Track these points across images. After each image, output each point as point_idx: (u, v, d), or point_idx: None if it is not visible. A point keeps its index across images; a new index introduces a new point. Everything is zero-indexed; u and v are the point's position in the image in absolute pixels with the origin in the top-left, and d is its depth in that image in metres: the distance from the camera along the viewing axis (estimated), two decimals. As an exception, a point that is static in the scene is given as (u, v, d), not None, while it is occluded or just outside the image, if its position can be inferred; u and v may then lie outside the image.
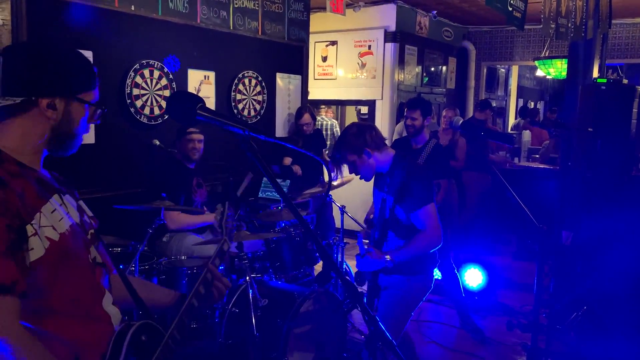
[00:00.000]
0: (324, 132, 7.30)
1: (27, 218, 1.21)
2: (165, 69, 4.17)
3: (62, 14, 3.53)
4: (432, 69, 8.04)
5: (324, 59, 7.56)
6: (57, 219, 1.30)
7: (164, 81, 4.17)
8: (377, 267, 2.44)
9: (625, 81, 4.99)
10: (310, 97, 6.44)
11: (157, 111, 4.13)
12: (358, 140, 2.60)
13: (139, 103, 4.01)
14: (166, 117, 4.16)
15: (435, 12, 7.51)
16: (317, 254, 3.91)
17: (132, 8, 3.95)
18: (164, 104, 4.16)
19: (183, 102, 1.27)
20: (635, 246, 3.73)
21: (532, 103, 13.29)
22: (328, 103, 7.91)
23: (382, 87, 7.17)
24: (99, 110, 1.40)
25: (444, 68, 8.31)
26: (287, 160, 5.14)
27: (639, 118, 4.54)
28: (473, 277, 4.74)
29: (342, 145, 2.63)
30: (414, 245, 2.53)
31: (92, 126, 3.72)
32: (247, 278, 3.07)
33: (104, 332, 1.35)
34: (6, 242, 1.15)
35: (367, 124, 2.87)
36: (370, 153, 2.61)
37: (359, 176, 2.68)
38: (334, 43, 7.45)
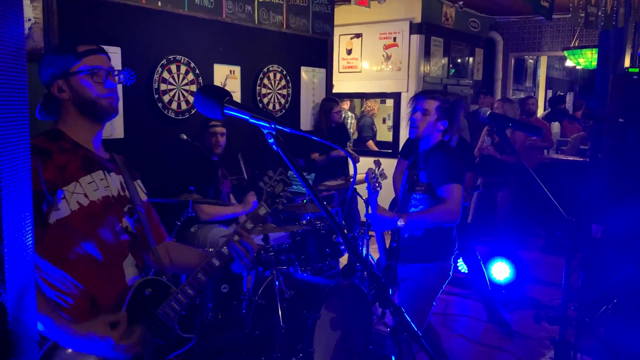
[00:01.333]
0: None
1: (61, 184, 1.50)
2: (192, 64, 4.22)
3: (92, 12, 3.60)
4: (459, 60, 7.95)
5: (349, 51, 7.54)
6: (92, 189, 1.58)
7: (190, 76, 4.22)
8: (390, 227, 2.46)
9: (658, 70, 4.85)
10: (334, 91, 6.44)
11: (184, 106, 4.19)
12: (452, 111, 2.63)
13: (166, 98, 4.07)
14: (193, 111, 4.21)
15: (461, 2, 7.42)
16: (343, 247, 3.93)
17: (159, 4, 4.00)
18: (191, 98, 4.21)
19: (210, 96, 1.28)
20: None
21: (562, 93, 13.02)
22: (353, 96, 7.89)
23: (408, 79, 7.12)
24: (102, 72, 1.60)
25: (471, 59, 8.20)
26: (316, 156, 5.16)
27: (672, 108, 4.41)
28: (501, 270, 4.70)
29: (440, 98, 2.64)
30: (432, 213, 2.54)
31: (119, 122, 3.75)
32: (273, 270, 3.10)
33: (116, 286, 1.61)
34: None
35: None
36: (443, 129, 2.64)
37: (411, 127, 2.68)
38: (358, 36, 7.42)
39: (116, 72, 1.66)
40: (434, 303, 2.73)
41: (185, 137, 4.14)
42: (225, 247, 1.67)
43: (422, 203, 2.64)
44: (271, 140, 1.23)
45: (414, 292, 2.68)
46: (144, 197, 1.79)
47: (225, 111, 1.28)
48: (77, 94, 1.60)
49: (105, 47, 1.72)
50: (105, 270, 1.59)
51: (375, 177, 2.41)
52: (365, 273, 3.90)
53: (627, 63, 4.98)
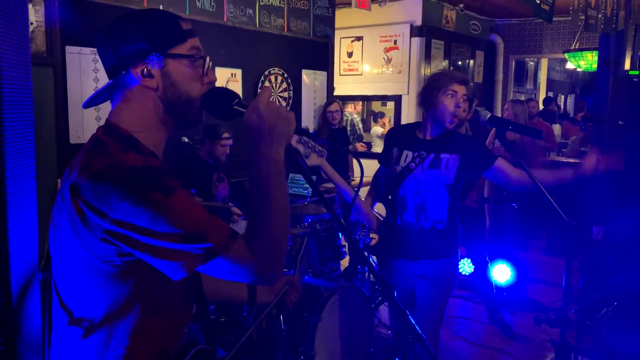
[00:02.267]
0: (349, 128, 7.31)
1: None
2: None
3: (94, 15, 3.62)
4: (459, 63, 7.96)
5: (350, 54, 7.55)
6: None
7: (192, 79, 4.23)
8: None
9: (658, 73, 4.86)
10: (336, 93, 6.45)
11: (185, 109, 4.20)
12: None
13: (168, 101, 4.08)
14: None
15: (462, 5, 7.43)
16: (344, 249, 3.94)
17: (161, 7, 4.02)
18: (192, 101, 4.22)
19: (220, 97, 1.28)
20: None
21: (562, 96, 13.04)
22: (354, 99, 7.91)
23: (409, 82, 7.13)
24: (207, 61, 1.23)
25: (472, 62, 8.22)
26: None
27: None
28: (502, 272, 4.70)
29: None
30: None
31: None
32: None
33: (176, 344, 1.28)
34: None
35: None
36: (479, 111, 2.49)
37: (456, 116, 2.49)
38: (359, 39, 7.43)
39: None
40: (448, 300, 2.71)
41: (187, 140, 4.15)
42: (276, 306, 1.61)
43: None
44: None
45: (433, 289, 2.62)
46: None
47: (234, 112, 1.23)
48: (173, 85, 1.18)
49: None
50: (178, 328, 1.29)
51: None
52: (369, 275, 3.91)
53: (627, 65, 5.00)
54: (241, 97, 1.29)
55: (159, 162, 1.18)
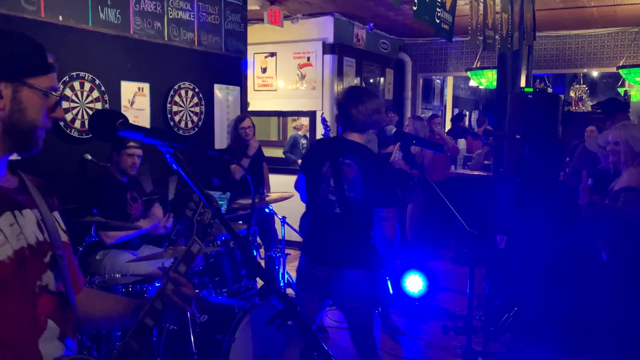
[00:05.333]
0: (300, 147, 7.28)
1: None
2: (97, 81, 4.03)
3: (-17, 24, 3.36)
4: (371, 80, 8.19)
5: (264, 70, 7.55)
6: None
7: (95, 93, 4.03)
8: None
9: (550, 90, 5.25)
10: (250, 109, 6.40)
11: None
12: None
13: (69, 116, 3.86)
14: (98, 130, 4.02)
15: (371, 24, 7.66)
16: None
17: (60, 18, 3.80)
18: (96, 117, 4.02)
19: (103, 120, 1.25)
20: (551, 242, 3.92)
21: (467, 112, 13.77)
22: (269, 114, 7.90)
23: (322, 98, 7.23)
24: (59, 100, 1.25)
25: (382, 79, 8.48)
26: (236, 169, 5.02)
27: (563, 125, 4.78)
28: (414, 283, 4.82)
29: None
30: None
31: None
32: (186, 294, 2.99)
33: None
34: None
35: None
36: None
37: None
38: (273, 54, 7.45)
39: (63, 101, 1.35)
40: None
41: (90, 157, 3.94)
42: (158, 301, 1.30)
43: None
44: (170, 159, 1.20)
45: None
46: (64, 236, 1.33)
47: (119, 133, 1.23)
48: (20, 112, 1.19)
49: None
50: (17, 356, 1.17)
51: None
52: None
53: (523, 83, 5.36)
54: (150, 111, 1.29)
55: None
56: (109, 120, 1.24)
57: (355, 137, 2.66)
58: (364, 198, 2.60)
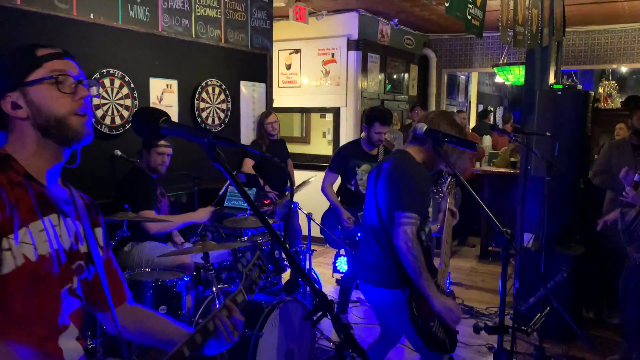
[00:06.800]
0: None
1: (6, 230, 1.16)
2: (127, 78, 4.09)
3: (20, 23, 3.43)
4: (395, 76, 8.14)
5: (288, 66, 7.56)
6: (43, 239, 1.23)
7: (125, 90, 4.09)
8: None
9: (579, 87, 5.16)
10: (275, 105, 6.42)
11: (118, 121, 4.05)
12: None
13: (99, 113, 3.92)
14: (128, 126, 4.08)
15: (396, 20, 7.62)
16: (285, 263, 3.90)
17: (92, 16, 3.86)
18: (125, 113, 4.08)
19: (146, 118, 1.27)
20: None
21: (492, 108, 13.62)
22: (293, 111, 7.91)
23: (346, 94, 7.22)
24: (69, 79, 1.28)
25: (406, 75, 8.43)
26: (248, 162, 5.05)
27: (592, 122, 4.70)
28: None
29: None
30: None
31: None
32: (214, 289, 3.03)
33: None
34: None
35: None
36: None
37: None
38: (297, 51, 7.46)
39: (87, 81, 1.32)
40: None
41: (120, 153, 4.00)
42: (211, 322, 1.40)
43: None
44: (212, 157, 1.21)
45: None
46: (101, 252, 1.44)
47: (162, 131, 1.26)
48: (39, 110, 1.24)
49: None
50: (39, 349, 1.23)
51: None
52: (308, 288, 3.88)
53: (552, 79, 5.27)
54: (177, 108, 1.29)
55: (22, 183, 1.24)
56: (153, 117, 1.26)
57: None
58: None
